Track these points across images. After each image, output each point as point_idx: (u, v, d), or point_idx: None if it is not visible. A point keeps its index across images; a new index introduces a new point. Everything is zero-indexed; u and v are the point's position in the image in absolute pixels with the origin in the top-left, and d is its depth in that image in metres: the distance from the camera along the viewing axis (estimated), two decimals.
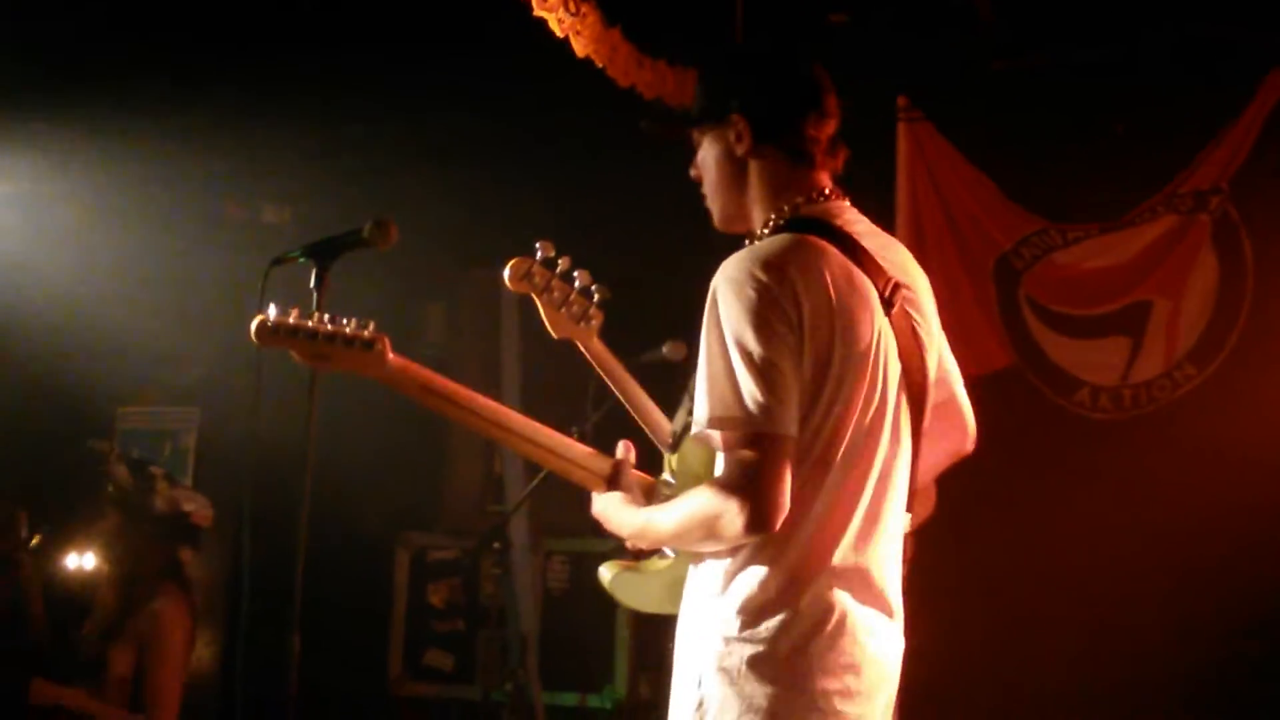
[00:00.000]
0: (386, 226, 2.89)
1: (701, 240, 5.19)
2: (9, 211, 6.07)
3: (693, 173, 2.55)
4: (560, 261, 3.27)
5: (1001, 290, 5.31)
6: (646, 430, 3.59)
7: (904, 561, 2.90)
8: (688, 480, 2.53)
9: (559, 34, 4.36)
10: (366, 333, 2.53)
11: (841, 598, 2.29)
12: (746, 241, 2.41)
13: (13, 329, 5.84)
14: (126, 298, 5.82)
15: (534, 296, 3.29)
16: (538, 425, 2.63)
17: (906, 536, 2.64)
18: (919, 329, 2.48)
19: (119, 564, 4.51)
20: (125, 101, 5.61)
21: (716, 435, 2.24)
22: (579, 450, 2.65)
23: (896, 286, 2.40)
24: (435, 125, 5.65)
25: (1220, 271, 5.08)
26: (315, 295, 2.89)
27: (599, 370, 3.48)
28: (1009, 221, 5.32)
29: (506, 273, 3.21)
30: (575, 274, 3.29)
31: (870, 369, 2.29)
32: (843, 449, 2.28)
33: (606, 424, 4.06)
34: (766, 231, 2.38)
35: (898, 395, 2.36)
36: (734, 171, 2.43)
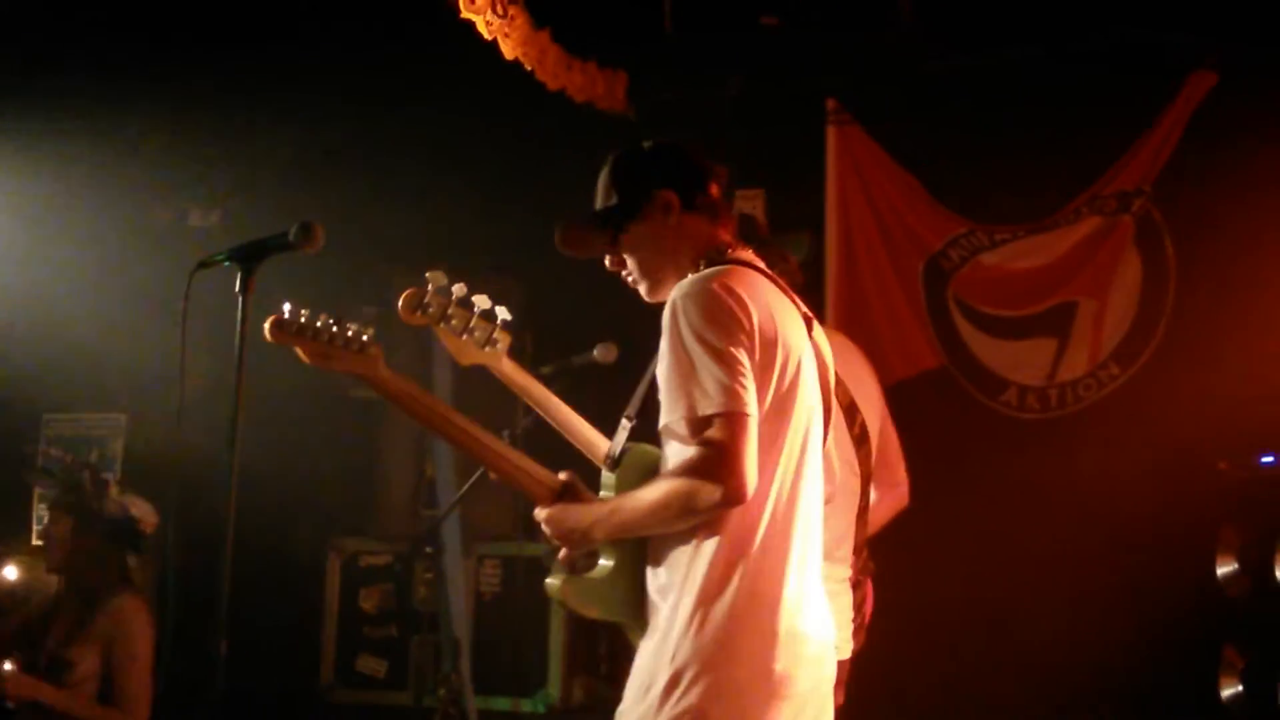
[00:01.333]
0: (312, 230, 2.87)
1: None
2: None
3: (610, 265, 2.83)
4: (456, 288, 3.18)
5: (930, 292, 5.36)
6: (575, 444, 3.54)
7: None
8: None
9: (487, 36, 4.36)
10: (365, 337, 2.68)
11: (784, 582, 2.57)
12: None
13: None
14: (52, 303, 5.73)
15: (432, 327, 3.20)
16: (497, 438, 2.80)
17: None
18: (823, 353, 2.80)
19: (73, 569, 4.53)
20: (48, 105, 5.54)
21: (683, 430, 2.50)
22: (535, 466, 2.79)
23: (809, 317, 2.76)
24: (365, 127, 5.62)
25: (1144, 272, 5.16)
26: (241, 299, 2.88)
27: (516, 392, 3.39)
28: (937, 223, 5.37)
29: (400, 306, 3.12)
30: (474, 299, 3.18)
31: (800, 381, 2.60)
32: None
33: (537, 431, 4.05)
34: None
35: (811, 411, 2.67)
36: (665, 245, 2.75)
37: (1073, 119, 5.21)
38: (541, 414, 3.33)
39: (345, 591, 5.26)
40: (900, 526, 5.05)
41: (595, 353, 4.16)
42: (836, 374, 3.21)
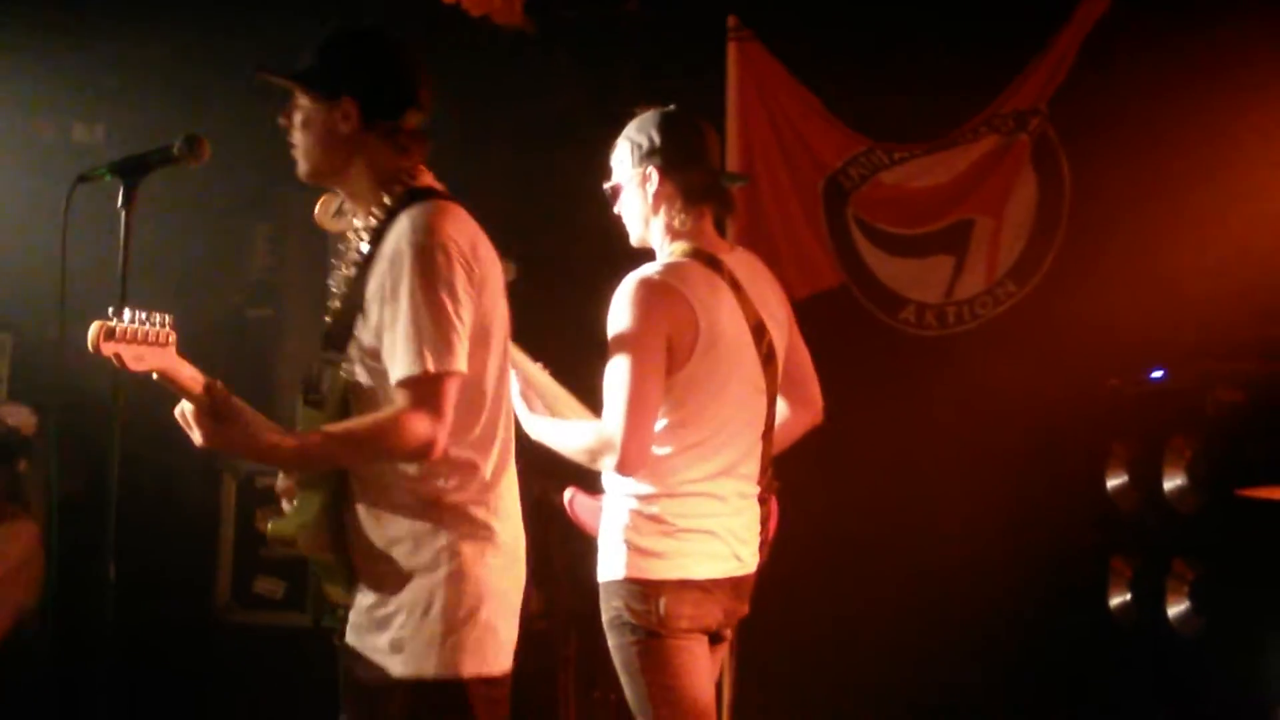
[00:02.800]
0: (198, 143, 2.80)
1: (528, 160, 5.13)
2: None
3: (282, 120, 2.79)
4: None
5: (830, 210, 5.35)
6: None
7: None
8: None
9: None
10: (167, 328, 2.53)
11: None
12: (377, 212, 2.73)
13: None
14: None
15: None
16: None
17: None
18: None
19: None
20: None
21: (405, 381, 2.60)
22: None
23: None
24: (259, 38, 5.46)
25: (1039, 191, 5.20)
26: (123, 214, 2.80)
27: None
28: (837, 142, 5.35)
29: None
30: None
31: (503, 326, 2.78)
32: None
33: None
34: (384, 208, 2.71)
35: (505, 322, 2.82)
36: (333, 147, 2.75)
37: (971, 38, 5.22)
38: None
39: (240, 512, 5.18)
40: (801, 444, 5.11)
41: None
42: (745, 293, 3.37)
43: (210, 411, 2.54)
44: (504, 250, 4.12)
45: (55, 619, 4.51)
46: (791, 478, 5.04)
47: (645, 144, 3.38)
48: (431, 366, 2.55)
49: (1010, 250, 5.23)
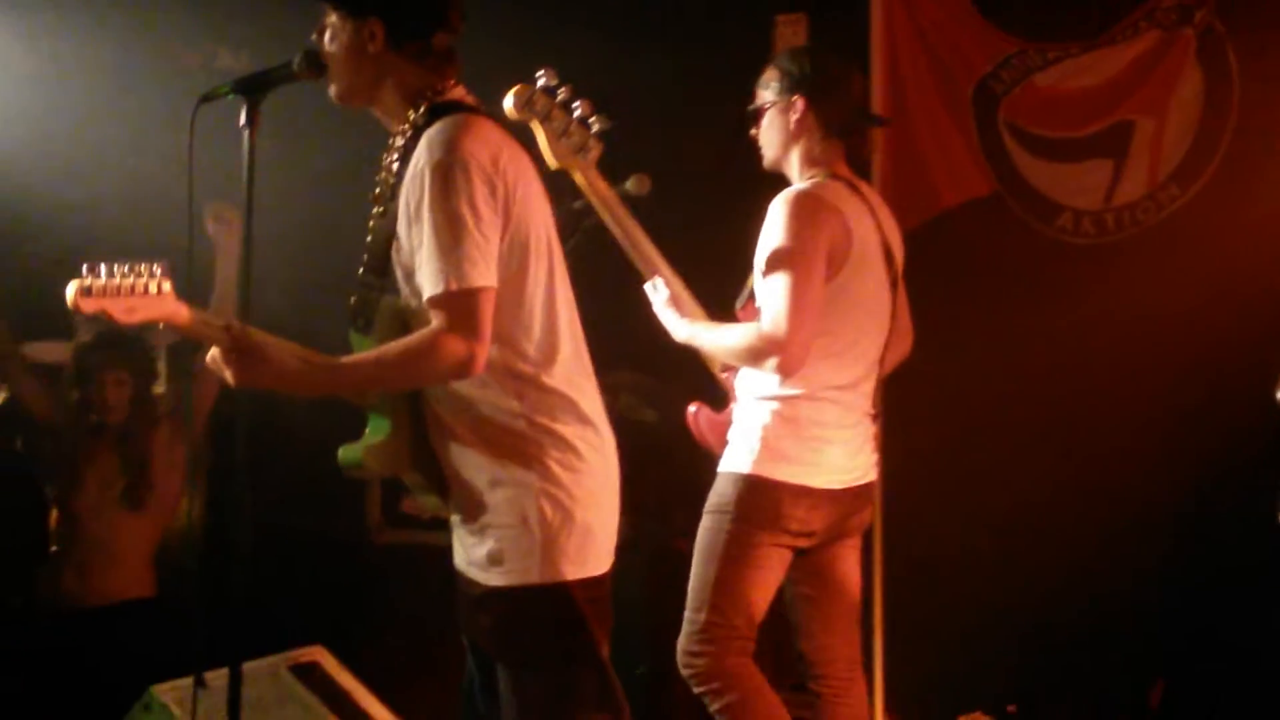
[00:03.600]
0: (318, 59, 2.80)
1: (663, 75, 5.05)
2: None
3: (314, 37, 2.79)
4: (562, 90, 3.31)
5: (980, 116, 5.14)
6: (637, 262, 3.59)
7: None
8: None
9: None
10: (159, 277, 2.55)
11: None
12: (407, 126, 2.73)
13: None
14: (83, 149, 5.67)
15: (534, 124, 3.38)
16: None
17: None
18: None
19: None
20: None
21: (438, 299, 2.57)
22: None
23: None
24: None
25: (1205, 88, 4.90)
26: (247, 133, 2.82)
27: (595, 201, 3.51)
28: (987, 44, 5.13)
29: (509, 100, 3.33)
30: (576, 104, 3.37)
31: (544, 235, 2.71)
32: None
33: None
34: (414, 120, 2.70)
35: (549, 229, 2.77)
36: (362, 68, 2.74)
37: None
38: (613, 228, 3.50)
39: None
40: (960, 355, 4.99)
41: (629, 184, 4.04)
42: (879, 218, 3.60)
43: (233, 350, 2.55)
44: (640, 162, 4.08)
45: (205, 535, 4.66)
46: (948, 389, 4.97)
47: (796, 73, 3.58)
48: (454, 284, 2.52)
49: (1174, 152, 4.96)
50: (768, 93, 3.62)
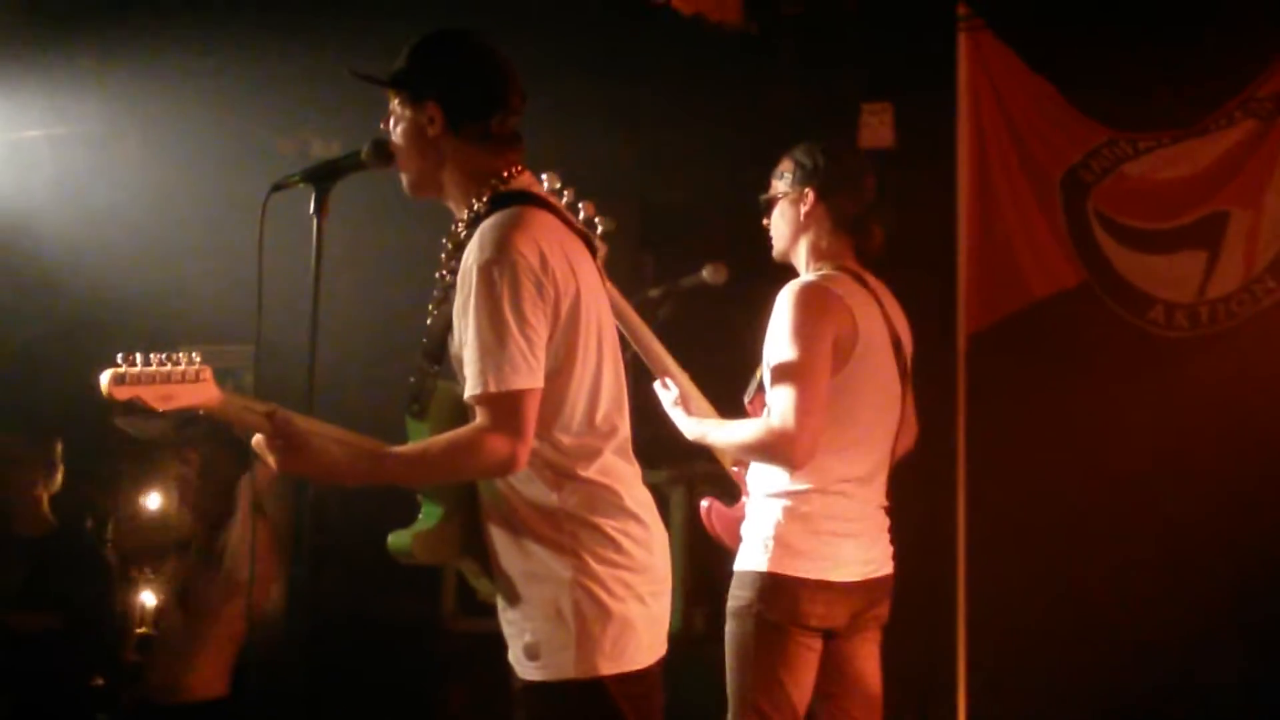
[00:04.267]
0: (386, 148, 2.82)
1: (746, 162, 5.04)
2: (67, 152, 6.07)
3: (382, 124, 2.79)
4: (565, 193, 3.26)
5: (1069, 205, 5.07)
6: (646, 362, 3.58)
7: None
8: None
9: None
10: (197, 365, 2.53)
11: None
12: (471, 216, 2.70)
13: (70, 269, 5.85)
14: (182, 235, 5.80)
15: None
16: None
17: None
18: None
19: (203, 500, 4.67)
20: (176, 36, 5.59)
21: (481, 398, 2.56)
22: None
23: (589, 241, 2.81)
24: None
25: None
26: (315, 220, 2.84)
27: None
28: (1077, 133, 5.07)
29: None
30: (580, 205, 3.30)
31: (582, 312, 2.64)
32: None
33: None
34: (476, 209, 2.69)
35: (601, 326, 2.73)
36: (425, 153, 2.73)
37: (1223, 16, 4.89)
38: (622, 328, 3.42)
39: None
40: (1046, 448, 4.89)
41: (704, 273, 4.04)
42: (886, 309, 3.57)
43: (277, 438, 2.54)
44: (719, 251, 4.08)
45: (295, 620, 4.66)
46: (1029, 480, 4.87)
47: (809, 165, 3.59)
48: (494, 386, 2.51)
49: (1270, 244, 4.84)
50: (781, 184, 3.64)
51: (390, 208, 4.41)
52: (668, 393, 3.61)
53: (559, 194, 3.27)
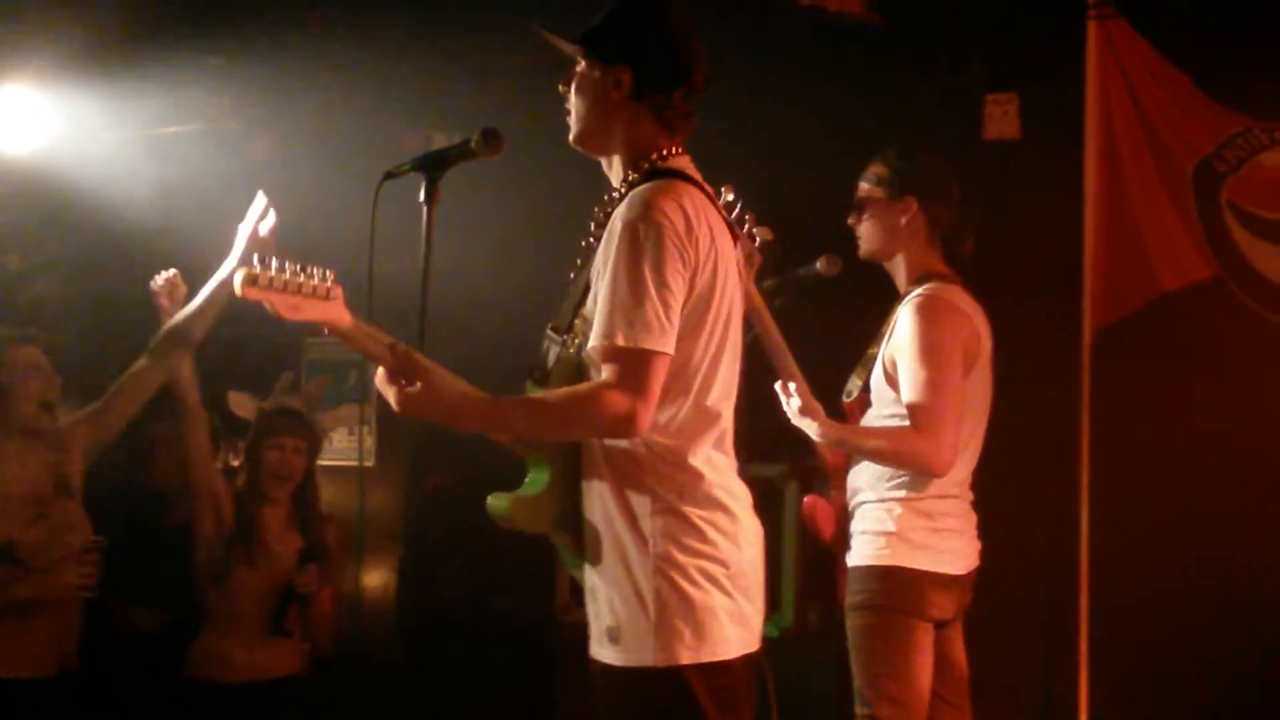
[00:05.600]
0: (495, 137, 2.85)
1: (867, 154, 4.98)
2: (197, 149, 6.20)
3: (561, 86, 2.82)
4: (738, 205, 3.48)
5: (1201, 197, 4.91)
6: (773, 361, 3.63)
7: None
8: None
9: None
10: (329, 283, 2.63)
11: None
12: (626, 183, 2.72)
13: (202, 261, 5.96)
14: (312, 229, 5.88)
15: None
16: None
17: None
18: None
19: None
20: (303, 33, 5.69)
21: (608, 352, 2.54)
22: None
23: (734, 231, 2.82)
24: None
25: None
26: (425, 209, 2.88)
27: (750, 312, 3.56)
28: (1210, 123, 4.91)
29: None
30: (746, 216, 3.47)
31: (720, 289, 2.65)
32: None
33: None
34: (631, 180, 2.70)
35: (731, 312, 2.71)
36: (604, 114, 2.75)
37: None
38: (760, 336, 3.72)
39: None
40: (1173, 446, 4.77)
41: (818, 265, 4.01)
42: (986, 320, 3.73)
43: (397, 373, 2.50)
44: (834, 244, 4.04)
45: (406, 610, 4.69)
46: (1159, 477, 4.75)
47: (906, 172, 3.76)
48: (623, 340, 2.47)
49: None
50: (877, 188, 3.79)
51: (502, 196, 4.46)
52: (793, 400, 3.62)
53: (730, 206, 3.36)
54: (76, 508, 4.11)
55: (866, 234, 3.83)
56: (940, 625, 3.69)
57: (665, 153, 2.72)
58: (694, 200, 2.61)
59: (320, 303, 2.59)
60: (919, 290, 3.68)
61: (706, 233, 2.59)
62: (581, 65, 2.78)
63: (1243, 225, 4.90)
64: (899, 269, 3.82)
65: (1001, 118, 5.19)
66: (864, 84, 5.28)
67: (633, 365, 2.48)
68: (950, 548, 3.67)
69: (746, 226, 3.51)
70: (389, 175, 2.93)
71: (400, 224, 2.99)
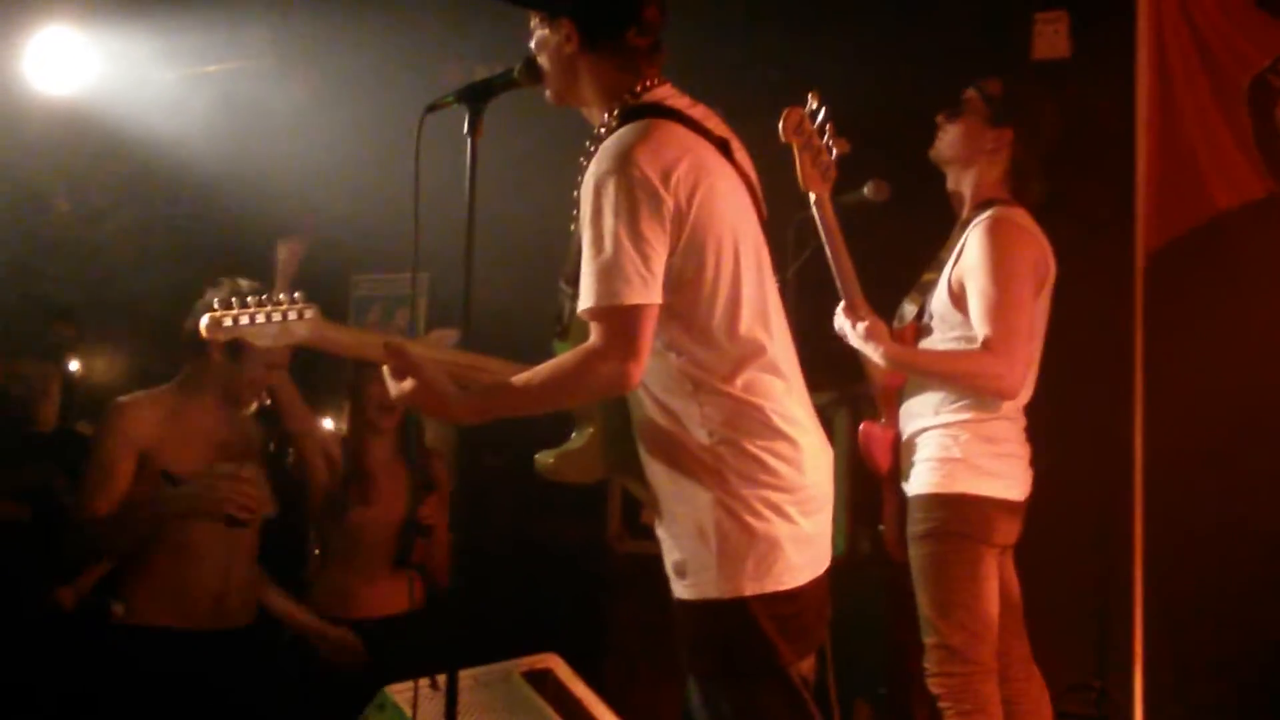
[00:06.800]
0: (537, 66, 2.81)
1: (916, 73, 4.89)
2: (240, 86, 6.20)
3: (530, 44, 2.82)
4: (821, 113, 3.41)
5: (1257, 113, 4.79)
6: (839, 283, 3.58)
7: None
8: None
9: None
10: (300, 304, 2.60)
11: None
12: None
13: (248, 202, 5.98)
14: (353, 166, 5.88)
15: (796, 149, 3.45)
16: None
17: None
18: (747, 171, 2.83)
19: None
20: None
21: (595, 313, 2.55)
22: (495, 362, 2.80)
23: (725, 141, 2.75)
24: None
25: None
26: (469, 141, 2.86)
27: (822, 226, 3.54)
28: (1265, 37, 4.78)
29: (783, 123, 3.40)
30: (825, 127, 3.44)
31: (732, 242, 2.64)
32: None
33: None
34: (608, 123, 2.69)
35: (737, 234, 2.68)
36: (564, 68, 2.75)
37: None
38: (830, 255, 3.64)
39: None
40: (1229, 367, 4.72)
41: (866, 190, 3.96)
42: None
43: (395, 370, 2.59)
44: (881, 168, 3.99)
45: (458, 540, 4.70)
46: (1220, 394, 4.70)
47: (1022, 110, 3.74)
48: (602, 300, 2.49)
49: None
50: (984, 103, 3.76)
51: (545, 126, 4.42)
52: (859, 324, 3.62)
53: (815, 115, 3.33)
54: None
55: (951, 139, 3.79)
56: (1003, 551, 3.69)
57: (639, 89, 2.71)
58: (670, 137, 2.59)
59: (295, 325, 2.60)
60: (988, 213, 3.64)
61: (688, 170, 2.56)
62: (533, 23, 2.80)
63: None
64: (965, 185, 3.79)
65: (1051, 36, 5.10)
66: (911, 3, 5.20)
67: (616, 324, 2.51)
68: (1013, 473, 3.65)
69: (825, 137, 3.44)
70: (431, 108, 2.92)
71: (446, 159, 2.97)
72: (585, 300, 2.52)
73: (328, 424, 5.94)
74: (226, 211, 6.12)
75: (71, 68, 5.92)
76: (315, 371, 4.72)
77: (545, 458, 2.77)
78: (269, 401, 4.43)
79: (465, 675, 3.27)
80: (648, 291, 2.50)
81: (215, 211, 6.20)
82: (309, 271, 5.89)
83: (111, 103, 6.00)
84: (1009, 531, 3.66)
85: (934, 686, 3.59)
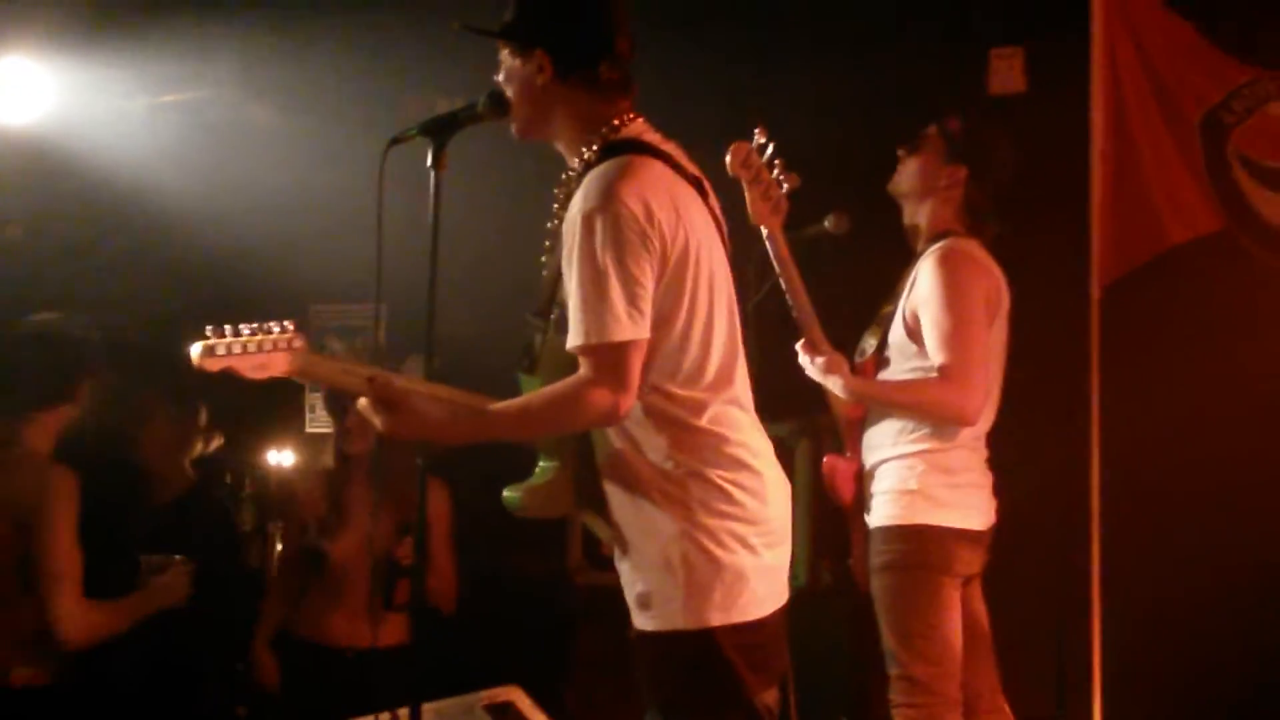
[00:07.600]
0: (503, 99, 2.82)
1: (874, 107, 4.94)
2: (200, 116, 6.18)
3: (497, 77, 2.81)
4: (769, 147, 3.40)
5: (1209, 148, 4.87)
6: (799, 321, 3.59)
7: None
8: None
9: None
10: (289, 334, 2.57)
11: None
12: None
13: (206, 230, 5.96)
14: (312, 194, 5.87)
15: (745, 183, 3.44)
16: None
17: None
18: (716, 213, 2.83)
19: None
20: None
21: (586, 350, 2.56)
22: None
23: (699, 180, 2.76)
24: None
25: None
26: (433, 174, 2.86)
27: (775, 259, 3.55)
28: (1217, 73, 4.87)
29: (730, 157, 3.39)
30: (776, 162, 3.42)
31: (692, 260, 2.63)
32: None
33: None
34: (587, 157, 2.69)
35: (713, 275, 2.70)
36: (534, 100, 2.74)
37: None
38: (785, 288, 3.66)
39: None
40: (1184, 401, 4.77)
41: (826, 223, 3.99)
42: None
43: (379, 402, 2.58)
44: (840, 200, 4.02)
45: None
46: (1175, 426, 4.75)
47: (975, 146, 3.80)
48: (594, 338, 2.51)
49: None
50: (941, 140, 3.82)
51: (509, 160, 4.43)
52: (817, 358, 3.66)
53: (764, 149, 3.33)
54: None
55: (909, 173, 3.86)
56: (967, 582, 3.70)
57: (616, 123, 2.72)
58: (652, 175, 2.62)
59: (284, 355, 2.57)
60: (939, 244, 3.70)
61: (669, 207, 2.59)
62: (504, 55, 2.78)
63: (1251, 176, 4.87)
64: (921, 219, 3.85)
65: (1006, 71, 5.17)
66: (868, 38, 5.25)
67: (607, 360, 2.53)
68: (973, 503, 3.68)
69: (775, 172, 3.45)
70: (395, 141, 2.91)
71: (407, 191, 2.97)
72: (575, 338, 2.54)
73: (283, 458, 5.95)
74: (186, 241, 6.09)
75: (29, 98, 5.88)
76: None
77: (513, 494, 2.78)
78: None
79: (428, 709, 3.26)
80: (636, 328, 2.53)
81: (174, 241, 6.16)
82: (265, 299, 5.90)
83: (69, 132, 5.97)
84: (971, 561, 3.68)
85: (898, 717, 3.61)
